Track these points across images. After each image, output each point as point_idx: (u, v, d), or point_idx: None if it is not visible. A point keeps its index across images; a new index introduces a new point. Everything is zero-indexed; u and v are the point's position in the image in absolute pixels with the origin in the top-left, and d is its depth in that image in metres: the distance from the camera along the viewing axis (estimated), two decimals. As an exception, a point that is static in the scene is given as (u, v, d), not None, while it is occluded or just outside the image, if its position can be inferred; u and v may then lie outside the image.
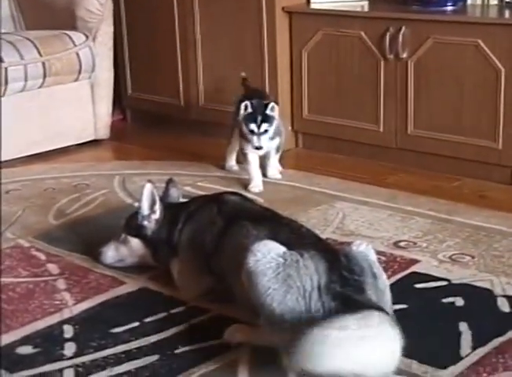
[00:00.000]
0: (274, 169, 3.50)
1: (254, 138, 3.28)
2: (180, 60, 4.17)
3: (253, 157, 3.36)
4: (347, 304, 1.96)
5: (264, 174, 3.43)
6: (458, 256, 2.64)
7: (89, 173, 3.62)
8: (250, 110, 3.30)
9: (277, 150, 3.46)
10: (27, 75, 3.75)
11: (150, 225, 2.51)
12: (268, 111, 3.27)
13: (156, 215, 2.50)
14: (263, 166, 3.46)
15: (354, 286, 2.00)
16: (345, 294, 1.98)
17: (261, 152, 3.35)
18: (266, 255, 2.04)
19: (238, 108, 3.38)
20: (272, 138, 3.35)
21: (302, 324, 1.95)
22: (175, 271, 2.44)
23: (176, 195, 2.63)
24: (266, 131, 3.28)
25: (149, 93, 4.38)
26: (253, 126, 3.27)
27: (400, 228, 2.88)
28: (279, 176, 3.49)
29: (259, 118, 3.26)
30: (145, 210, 2.51)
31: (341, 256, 2.09)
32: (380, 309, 1.96)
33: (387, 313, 1.94)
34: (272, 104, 3.29)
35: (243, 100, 3.37)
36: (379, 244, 2.73)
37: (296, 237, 2.20)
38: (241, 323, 2.14)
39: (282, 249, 2.07)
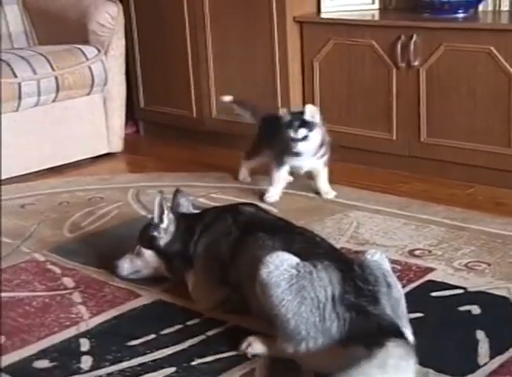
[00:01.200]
0: (326, 187, 3.35)
1: (293, 144, 3.18)
2: (192, 72, 4.18)
3: (284, 171, 3.31)
4: (361, 315, 1.95)
5: (317, 193, 3.35)
6: (474, 264, 2.63)
7: (103, 186, 3.63)
8: (288, 117, 3.22)
9: (325, 165, 3.33)
10: (40, 90, 3.77)
11: (161, 235, 2.51)
12: (306, 117, 3.18)
13: (164, 225, 2.50)
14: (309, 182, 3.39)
15: (368, 296, 2.00)
16: (360, 304, 1.97)
17: (302, 161, 3.25)
18: (279, 267, 2.04)
19: (261, 126, 3.40)
20: (322, 155, 3.26)
21: (318, 335, 1.95)
22: (190, 283, 2.44)
23: (186, 204, 2.63)
24: (306, 137, 3.18)
25: (162, 105, 4.39)
26: (291, 132, 3.18)
27: (414, 237, 2.87)
28: (332, 194, 3.34)
29: (296, 124, 3.17)
30: (156, 220, 2.52)
31: (356, 265, 2.09)
32: (393, 323, 1.96)
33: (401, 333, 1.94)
34: (310, 106, 3.20)
35: (266, 118, 3.36)
36: (394, 253, 2.73)
37: (310, 247, 2.20)
38: (257, 335, 2.14)
39: (295, 260, 2.06)
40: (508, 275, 2.52)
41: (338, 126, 3.78)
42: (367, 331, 1.92)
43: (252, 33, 3.89)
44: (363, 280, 2.03)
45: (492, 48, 3.24)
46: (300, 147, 3.19)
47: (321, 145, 3.25)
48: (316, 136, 3.21)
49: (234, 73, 4.02)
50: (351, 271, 2.06)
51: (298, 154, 3.21)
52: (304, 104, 3.87)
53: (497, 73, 3.26)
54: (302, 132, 3.17)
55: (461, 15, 3.51)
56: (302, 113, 3.20)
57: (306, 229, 2.36)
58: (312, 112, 3.18)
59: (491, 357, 2.05)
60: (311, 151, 3.24)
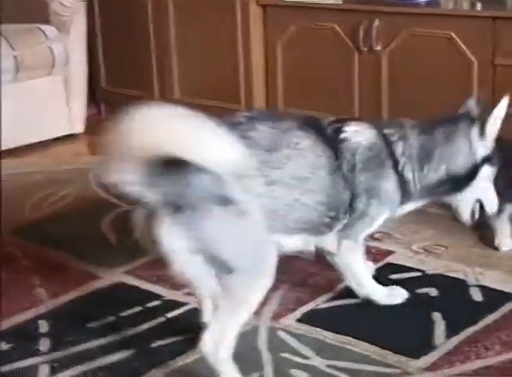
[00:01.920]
0: None
1: None
2: (154, 53, 4.16)
3: None
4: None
5: None
6: (433, 247, 2.66)
7: (63, 167, 3.60)
8: None
9: None
10: (-1, 70, 3.73)
11: None
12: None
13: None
14: None
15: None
16: None
17: None
18: None
19: None
20: None
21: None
22: None
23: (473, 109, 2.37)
24: None
25: (123, 86, 4.36)
26: None
27: (374, 220, 2.90)
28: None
29: None
30: None
31: None
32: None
33: None
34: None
35: None
36: (354, 236, 2.74)
37: None
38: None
39: None
40: (465, 258, 2.56)
41: (301, 110, 3.78)
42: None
43: (215, 15, 3.87)
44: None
45: (452, 33, 3.27)
46: None
47: None
48: None
49: (197, 55, 4.00)
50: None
51: None
52: (267, 87, 3.88)
53: (457, 58, 3.28)
54: None
55: (423, 0, 3.53)
56: None
57: None
58: None
59: (447, 338, 2.09)
60: None
